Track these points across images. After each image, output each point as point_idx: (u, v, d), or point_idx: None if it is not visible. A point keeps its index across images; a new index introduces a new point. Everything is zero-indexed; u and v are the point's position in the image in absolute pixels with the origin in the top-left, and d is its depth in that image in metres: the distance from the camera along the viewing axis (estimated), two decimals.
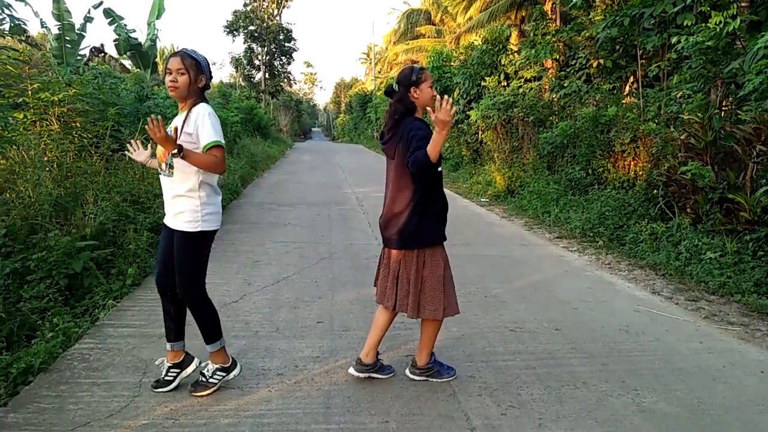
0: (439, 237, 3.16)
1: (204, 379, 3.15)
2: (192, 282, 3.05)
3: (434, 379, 3.32)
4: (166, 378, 3.17)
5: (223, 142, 2.99)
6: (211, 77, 3.09)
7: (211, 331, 3.14)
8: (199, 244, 3.05)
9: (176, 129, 2.98)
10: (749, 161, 5.93)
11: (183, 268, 3.04)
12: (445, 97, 2.74)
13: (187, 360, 3.24)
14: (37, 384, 3.20)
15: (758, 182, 5.85)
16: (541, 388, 3.29)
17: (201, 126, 2.93)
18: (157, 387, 3.15)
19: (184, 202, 3.02)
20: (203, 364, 3.21)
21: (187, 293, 3.06)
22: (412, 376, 3.36)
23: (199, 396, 3.09)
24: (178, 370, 3.19)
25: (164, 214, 3.15)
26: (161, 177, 3.09)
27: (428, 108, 2.97)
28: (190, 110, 2.99)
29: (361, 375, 3.32)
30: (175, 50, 3.35)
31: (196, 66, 2.98)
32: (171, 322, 3.17)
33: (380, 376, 3.35)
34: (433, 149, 2.80)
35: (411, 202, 3.07)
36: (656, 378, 3.44)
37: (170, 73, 2.95)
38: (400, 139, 3.06)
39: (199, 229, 3.01)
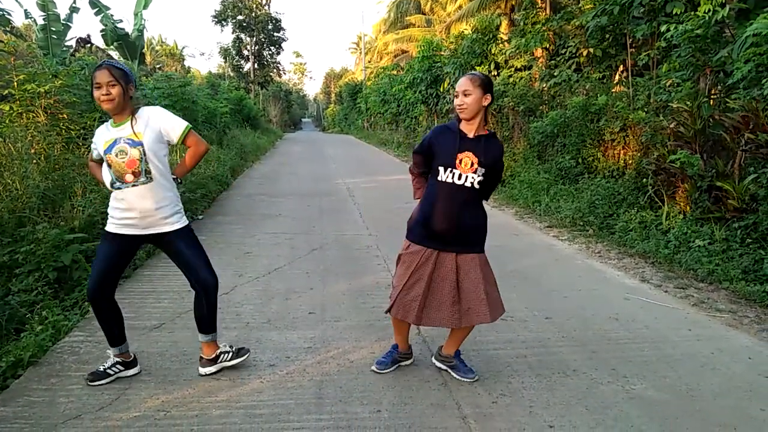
0: (409, 234, 3.18)
1: (238, 346, 3.33)
2: (212, 267, 3.17)
3: (453, 373, 3.32)
4: (108, 371, 3.11)
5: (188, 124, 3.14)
6: (136, 87, 3.08)
7: (216, 318, 3.25)
8: (193, 233, 3.19)
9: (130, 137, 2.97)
10: (738, 149, 5.96)
11: (203, 259, 3.13)
12: None
13: (134, 362, 3.25)
14: (26, 377, 3.18)
15: (746, 170, 5.89)
16: (532, 376, 3.31)
17: (165, 121, 3.04)
18: (93, 380, 3.06)
19: (169, 203, 3.06)
20: (222, 346, 3.30)
21: (215, 281, 3.16)
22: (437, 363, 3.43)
23: (245, 356, 3.27)
24: (122, 368, 3.18)
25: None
26: (128, 189, 2.96)
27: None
28: (134, 117, 2.97)
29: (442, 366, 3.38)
30: (105, 57, 3.39)
31: (125, 76, 2.93)
32: (114, 326, 3.15)
33: (455, 375, 3.33)
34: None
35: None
36: (645, 365, 3.47)
37: (99, 87, 2.87)
38: None
39: (187, 223, 3.16)
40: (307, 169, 15.10)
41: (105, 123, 3.08)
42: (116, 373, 3.15)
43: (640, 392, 3.13)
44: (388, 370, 3.31)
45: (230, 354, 3.26)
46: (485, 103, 2.98)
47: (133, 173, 2.94)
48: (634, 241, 6.33)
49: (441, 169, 3.03)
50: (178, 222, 3.09)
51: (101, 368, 3.13)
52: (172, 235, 3.06)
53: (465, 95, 2.96)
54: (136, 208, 2.98)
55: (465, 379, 3.25)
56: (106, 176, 3.01)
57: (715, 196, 5.99)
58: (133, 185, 2.95)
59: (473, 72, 3.12)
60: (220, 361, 3.24)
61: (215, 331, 3.25)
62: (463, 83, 2.98)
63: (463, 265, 3.06)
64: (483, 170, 3.00)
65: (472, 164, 2.98)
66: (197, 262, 3.10)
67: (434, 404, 2.98)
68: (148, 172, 2.96)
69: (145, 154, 2.94)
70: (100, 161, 3.11)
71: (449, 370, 3.33)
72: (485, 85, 2.97)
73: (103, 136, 3.01)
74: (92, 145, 3.14)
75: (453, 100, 3.08)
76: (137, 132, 2.94)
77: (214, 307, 3.20)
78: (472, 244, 3.10)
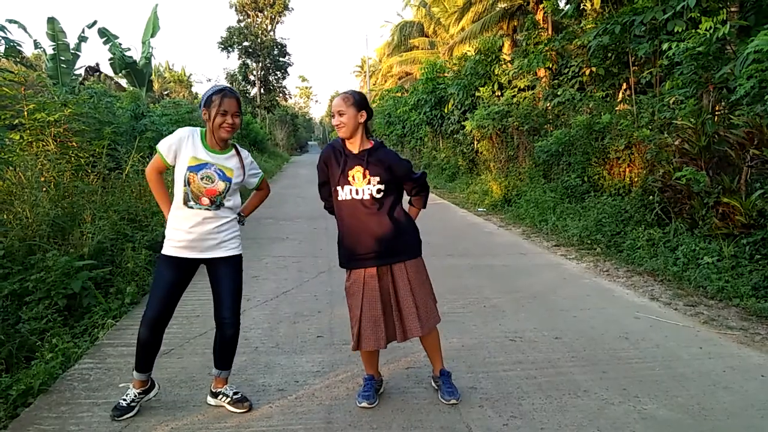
0: (342, 262, 3.25)
1: (239, 395, 3.17)
2: (238, 310, 3.13)
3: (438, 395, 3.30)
4: (131, 404, 3.06)
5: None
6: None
7: (227, 358, 3.18)
8: (241, 267, 3.20)
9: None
10: (743, 165, 5.96)
11: (233, 298, 3.09)
12: None
13: (152, 385, 3.21)
14: (37, 406, 3.18)
15: (753, 186, 5.88)
16: (543, 397, 3.29)
17: (251, 168, 3.24)
18: (120, 415, 3.01)
19: (229, 229, 3.10)
20: (224, 388, 3.17)
21: (233, 322, 3.09)
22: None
23: (245, 410, 3.10)
24: (143, 396, 3.14)
25: (162, 236, 3.09)
26: (198, 210, 2.97)
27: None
28: (238, 153, 3.14)
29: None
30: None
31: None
32: (152, 354, 3.11)
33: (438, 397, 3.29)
34: None
35: None
36: (657, 384, 3.44)
37: (225, 114, 2.92)
38: None
39: (241, 253, 3.18)
40: (314, 192, 15.04)
41: (191, 132, 3.02)
42: (139, 402, 3.10)
43: (652, 412, 3.10)
44: (377, 402, 3.22)
45: (228, 398, 3.14)
46: (361, 120, 3.08)
47: (210, 200, 2.98)
48: (642, 259, 6.31)
49: (339, 188, 3.10)
50: (235, 249, 3.11)
51: (123, 402, 3.05)
52: (225, 260, 3.07)
53: (340, 115, 3.06)
54: (198, 230, 2.98)
55: (443, 401, 3.21)
56: (179, 193, 2.96)
57: (723, 213, 5.97)
58: (206, 209, 2.99)
59: (347, 91, 3.16)
60: (219, 399, 3.17)
61: (224, 369, 3.16)
62: (337, 103, 3.07)
63: (395, 273, 3.13)
64: (377, 179, 3.05)
65: (364, 176, 3.05)
66: (227, 297, 3.06)
67: (444, 427, 2.96)
68: (222, 204, 3.03)
69: (228, 191, 3.03)
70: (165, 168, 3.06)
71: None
72: (358, 102, 3.07)
73: (191, 150, 2.96)
74: (167, 145, 2.98)
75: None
76: (231, 168, 3.04)
77: (226, 347, 3.12)
78: (399, 253, 3.13)
